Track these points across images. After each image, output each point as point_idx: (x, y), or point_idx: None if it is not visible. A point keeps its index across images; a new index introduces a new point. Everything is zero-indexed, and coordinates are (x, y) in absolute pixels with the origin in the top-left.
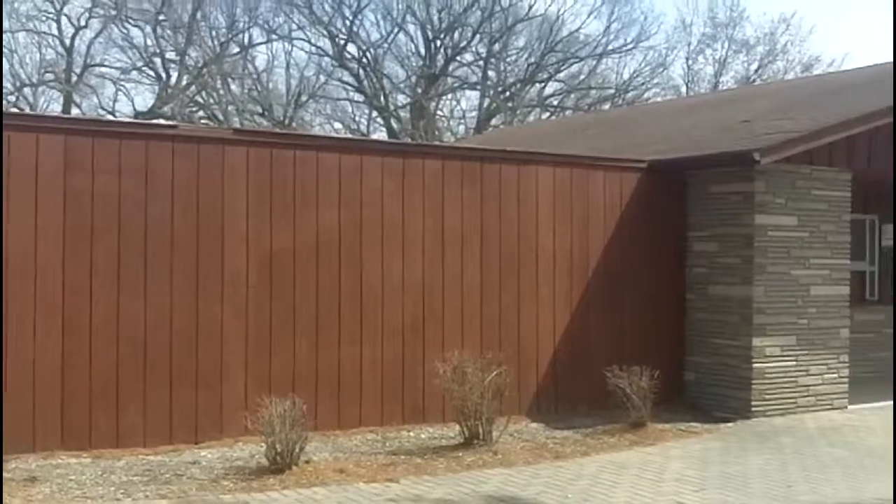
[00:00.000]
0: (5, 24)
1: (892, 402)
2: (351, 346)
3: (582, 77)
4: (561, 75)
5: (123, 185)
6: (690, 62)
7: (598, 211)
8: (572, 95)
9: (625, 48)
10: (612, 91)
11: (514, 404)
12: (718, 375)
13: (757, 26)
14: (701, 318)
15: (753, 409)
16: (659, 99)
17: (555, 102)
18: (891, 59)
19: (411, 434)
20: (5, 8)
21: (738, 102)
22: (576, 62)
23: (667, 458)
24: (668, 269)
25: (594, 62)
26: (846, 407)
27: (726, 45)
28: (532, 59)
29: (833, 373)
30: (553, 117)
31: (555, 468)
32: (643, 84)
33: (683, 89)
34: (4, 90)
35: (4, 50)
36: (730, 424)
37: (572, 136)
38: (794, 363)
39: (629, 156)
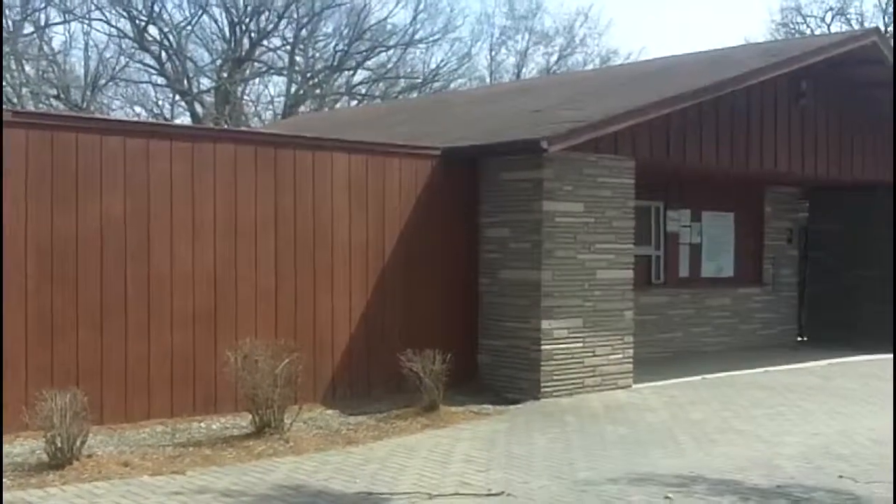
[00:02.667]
0: None
1: (679, 380)
2: (138, 336)
3: (390, 66)
4: (369, 63)
5: None
6: (494, 53)
7: (394, 197)
8: (380, 84)
9: (431, 38)
10: (420, 80)
11: (309, 391)
12: (510, 357)
13: (556, 18)
14: (493, 302)
15: (543, 389)
16: (464, 88)
17: (363, 90)
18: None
19: (202, 425)
20: None
21: (533, 92)
22: (384, 51)
23: (457, 440)
24: (462, 254)
25: (402, 51)
26: (631, 386)
27: (527, 36)
28: (340, 47)
29: (618, 353)
30: (362, 105)
31: (346, 454)
32: (450, 74)
33: (488, 79)
34: None
35: None
36: (520, 405)
37: (375, 124)
38: (581, 345)
39: (426, 143)
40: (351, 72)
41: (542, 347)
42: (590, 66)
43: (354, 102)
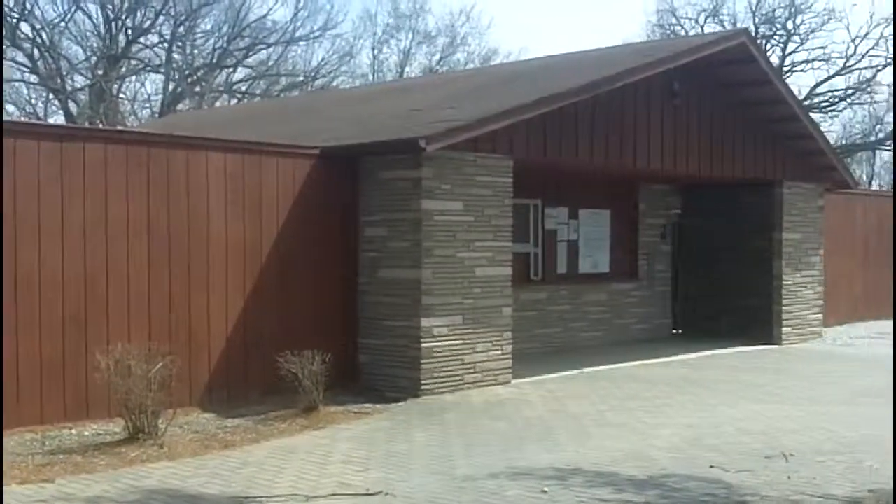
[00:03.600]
0: None
1: (558, 375)
2: (5, 341)
3: (270, 64)
4: (249, 61)
5: None
6: (376, 52)
7: (272, 197)
8: (261, 82)
9: (312, 36)
10: (301, 79)
11: (185, 395)
12: (390, 356)
13: (438, 18)
14: (373, 301)
15: (423, 387)
16: (346, 87)
17: (243, 88)
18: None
19: (74, 432)
20: None
21: (414, 91)
22: (264, 48)
23: (336, 440)
24: (342, 253)
25: (282, 49)
26: (510, 382)
27: (410, 35)
28: (219, 44)
29: (497, 349)
30: (242, 103)
31: (222, 458)
32: (331, 72)
33: (371, 78)
34: None
35: None
36: (400, 404)
37: (255, 122)
38: (461, 342)
39: (306, 142)
40: (231, 69)
41: (422, 345)
42: (471, 66)
43: (235, 101)
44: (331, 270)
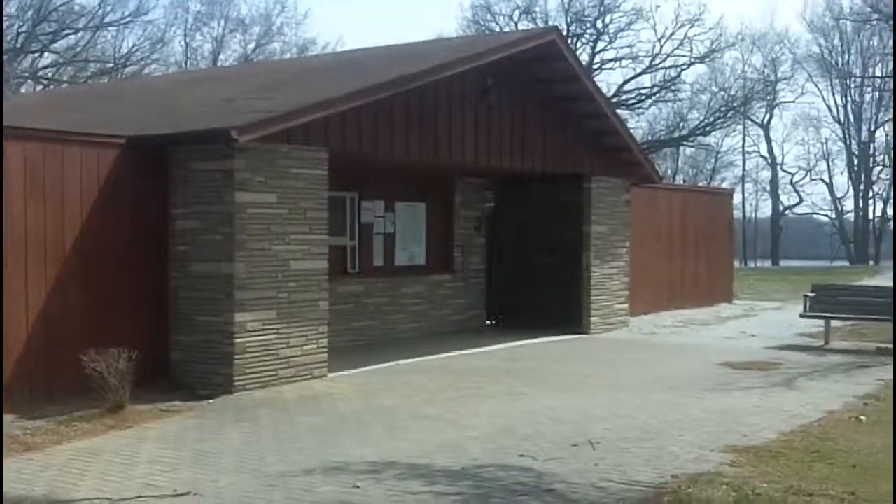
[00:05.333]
0: None
1: (374, 368)
2: None
3: (79, 49)
4: (56, 46)
5: None
6: (189, 39)
7: (75, 188)
8: (69, 68)
9: (122, 21)
10: (111, 65)
11: None
12: (203, 353)
13: (253, 6)
14: (185, 297)
15: (236, 383)
16: (158, 74)
17: (50, 74)
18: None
19: None
20: None
21: (228, 80)
22: (72, 33)
23: (143, 440)
24: (151, 247)
25: (91, 34)
26: (326, 376)
27: (223, 23)
28: (24, 28)
29: (312, 344)
30: (48, 90)
31: (24, 461)
32: (143, 59)
33: (184, 66)
34: None
35: None
36: (212, 401)
37: (58, 110)
38: (276, 336)
39: (113, 132)
40: (36, 55)
41: (235, 341)
42: (287, 56)
43: (40, 87)
44: (140, 265)
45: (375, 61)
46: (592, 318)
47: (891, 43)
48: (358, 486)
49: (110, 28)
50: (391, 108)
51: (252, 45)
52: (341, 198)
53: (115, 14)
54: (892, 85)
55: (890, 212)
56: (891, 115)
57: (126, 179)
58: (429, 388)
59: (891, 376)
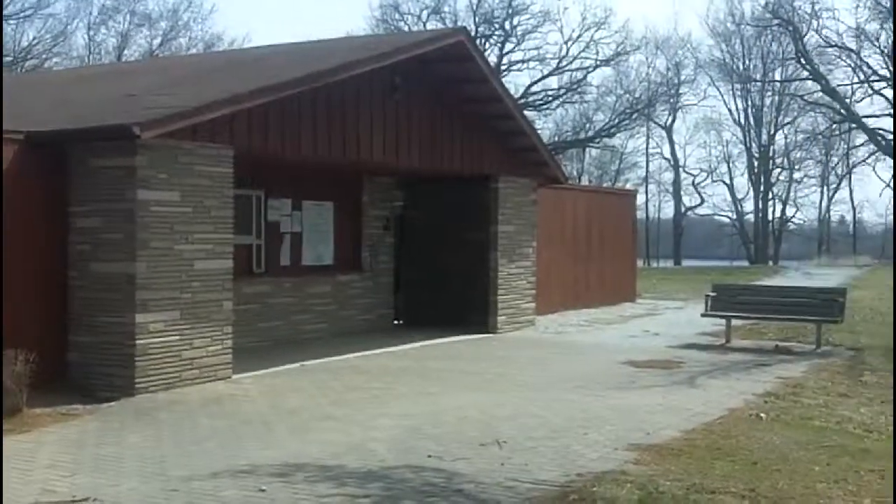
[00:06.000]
0: None
1: (280, 369)
2: None
3: None
4: None
5: None
6: (93, 33)
7: None
8: None
9: (23, 14)
10: (10, 59)
11: None
12: (103, 354)
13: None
14: (85, 297)
15: (137, 386)
16: (60, 68)
17: None
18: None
19: None
20: None
21: (131, 76)
22: None
23: (41, 444)
24: (49, 246)
25: None
26: (231, 377)
27: (129, 17)
28: None
29: (217, 344)
30: None
31: None
32: (44, 53)
33: (87, 60)
34: None
35: None
36: (113, 404)
37: None
38: (179, 337)
39: (10, 127)
40: None
41: (137, 342)
42: (194, 51)
43: None
44: (37, 264)
45: (283, 58)
46: (500, 318)
47: (790, 48)
48: (264, 490)
49: (10, 21)
50: (299, 105)
51: (158, 41)
52: (247, 196)
53: (14, 6)
54: (793, 88)
55: (789, 213)
56: (790, 119)
57: (24, 176)
58: (335, 389)
59: (789, 374)
